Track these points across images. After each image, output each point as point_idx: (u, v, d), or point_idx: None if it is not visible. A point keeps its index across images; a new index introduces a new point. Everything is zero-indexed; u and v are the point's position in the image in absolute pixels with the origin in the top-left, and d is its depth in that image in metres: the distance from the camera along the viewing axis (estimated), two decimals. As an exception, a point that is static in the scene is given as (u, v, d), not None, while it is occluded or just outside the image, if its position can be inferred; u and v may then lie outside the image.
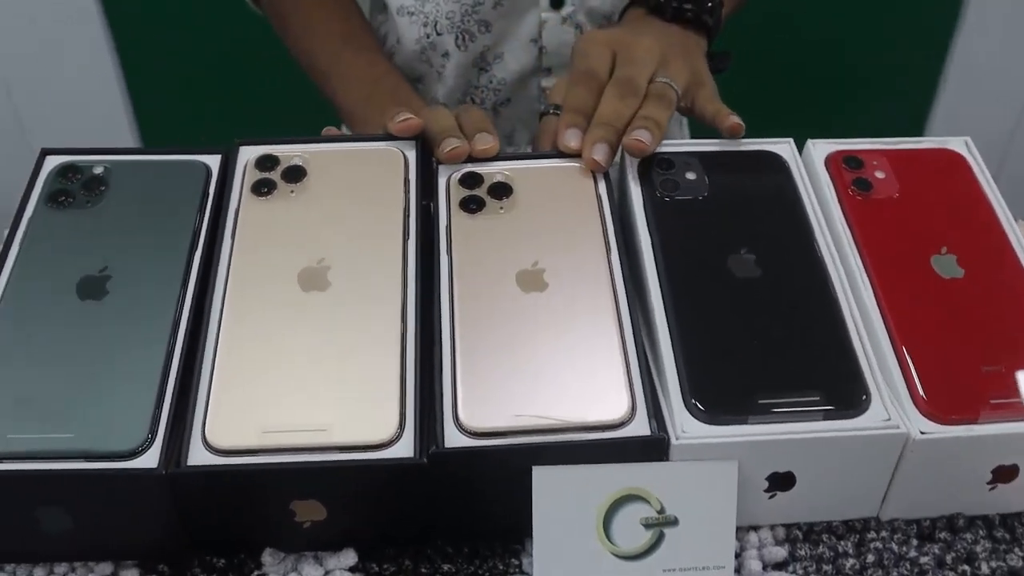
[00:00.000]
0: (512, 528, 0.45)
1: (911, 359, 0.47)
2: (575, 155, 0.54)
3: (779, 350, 0.46)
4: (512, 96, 0.75)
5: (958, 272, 0.50)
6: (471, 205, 0.52)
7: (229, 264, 0.49)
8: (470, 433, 0.43)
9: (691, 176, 0.54)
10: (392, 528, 0.46)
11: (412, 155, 0.54)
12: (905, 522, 0.48)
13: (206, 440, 0.43)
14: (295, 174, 0.53)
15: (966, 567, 0.45)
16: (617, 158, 0.55)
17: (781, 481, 0.45)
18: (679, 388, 0.45)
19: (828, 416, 0.44)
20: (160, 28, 1.32)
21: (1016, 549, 0.46)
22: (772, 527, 0.47)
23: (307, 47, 0.73)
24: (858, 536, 0.47)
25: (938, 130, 1.46)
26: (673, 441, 0.43)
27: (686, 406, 0.45)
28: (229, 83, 1.33)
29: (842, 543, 0.46)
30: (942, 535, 0.47)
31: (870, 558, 0.46)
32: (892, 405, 0.45)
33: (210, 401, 0.44)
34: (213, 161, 0.54)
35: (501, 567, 0.45)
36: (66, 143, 0.55)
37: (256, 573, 0.45)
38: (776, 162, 0.55)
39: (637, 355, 0.46)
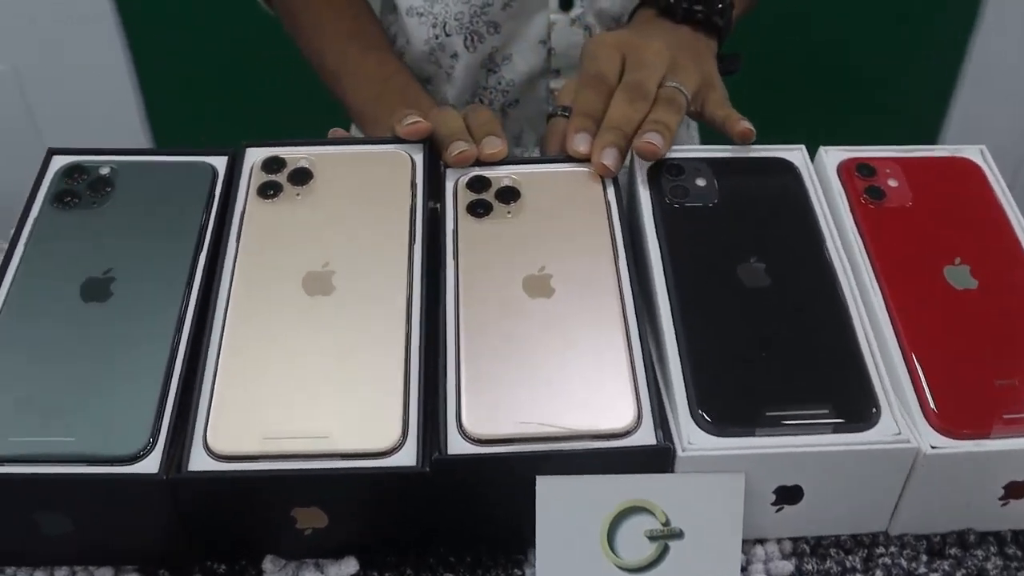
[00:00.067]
0: (515, 537, 0.45)
1: (923, 372, 0.46)
2: (584, 159, 0.54)
3: (788, 361, 0.46)
4: (520, 97, 0.75)
5: (972, 283, 0.49)
6: (478, 209, 0.51)
7: (234, 268, 0.49)
8: (474, 440, 0.43)
9: (701, 182, 0.53)
10: (394, 536, 0.45)
11: (419, 158, 0.54)
12: (915, 537, 0.47)
13: (207, 445, 0.42)
14: (301, 177, 0.52)
15: (976, 584, 0.45)
16: (626, 163, 0.55)
17: (788, 494, 0.45)
18: (686, 399, 0.45)
19: (837, 429, 0.44)
20: (173, 26, 1.32)
21: (1028, 566, 0.46)
22: (779, 541, 0.47)
23: (317, 46, 0.73)
24: (866, 551, 0.46)
25: (953, 135, 1.44)
26: (679, 453, 0.43)
27: (693, 417, 0.44)
28: (242, 82, 1.33)
29: (850, 558, 0.46)
30: (952, 551, 0.46)
31: (878, 574, 0.45)
32: (903, 419, 0.44)
33: (212, 406, 0.43)
34: (220, 162, 0.54)
35: (504, 577, 0.45)
36: (78, 142, 0.55)
37: (257, 579, 0.45)
38: (788, 169, 0.55)
39: (644, 364, 0.45)
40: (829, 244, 0.51)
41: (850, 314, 0.48)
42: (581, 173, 0.54)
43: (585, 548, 0.42)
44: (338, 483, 0.42)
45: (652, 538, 0.43)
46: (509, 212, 0.51)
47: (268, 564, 0.45)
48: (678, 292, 0.48)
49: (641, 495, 0.43)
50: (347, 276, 0.48)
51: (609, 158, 0.53)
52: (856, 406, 0.44)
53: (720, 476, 0.43)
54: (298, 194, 0.52)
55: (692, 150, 0.55)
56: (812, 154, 0.56)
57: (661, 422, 0.43)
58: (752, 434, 0.43)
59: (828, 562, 0.46)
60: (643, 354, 0.46)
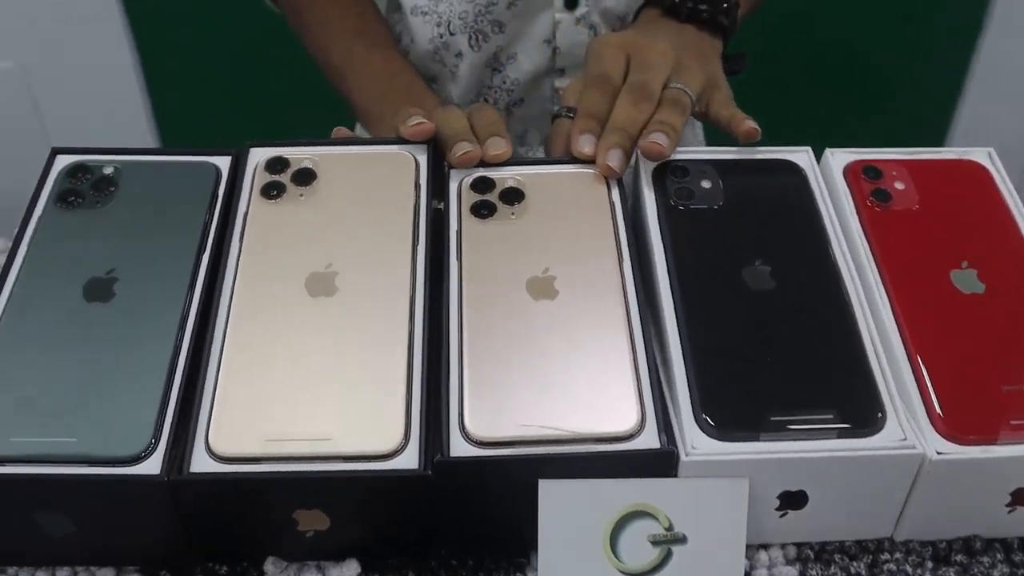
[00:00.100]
0: (517, 539, 0.45)
1: (929, 377, 0.46)
2: (589, 161, 0.53)
3: (793, 365, 0.45)
4: (525, 97, 0.75)
5: (979, 287, 0.49)
6: (482, 210, 0.51)
7: (236, 269, 0.48)
8: (476, 442, 0.42)
9: (706, 184, 0.53)
10: (395, 538, 0.45)
11: (423, 159, 0.54)
12: (920, 543, 0.47)
13: (209, 447, 0.42)
14: (305, 177, 0.52)
15: (982, 591, 0.44)
16: (631, 164, 0.54)
17: (793, 500, 0.44)
18: (690, 402, 0.44)
19: (842, 434, 0.43)
20: (180, 26, 1.32)
21: (1034, 573, 0.45)
22: (783, 546, 0.46)
23: (323, 44, 0.73)
24: (871, 557, 0.46)
25: (961, 137, 1.43)
26: (683, 457, 0.43)
27: (696, 421, 0.44)
28: (249, 81, 1.33)
29: (855, 564, 0.46)
30: (958, 558, 0.46)
31: (883, 579, 0.45)
32: (908, 424, 0.44)
33: (214, 407, 0.43)
34: (223, 162, 0.54)
35: (505, 580, 0.45)
36: (85, 141, 0.55)
37: (258, 581, 0.45)
38: (793, 171, 0.54)
39: (648, 367, 0.45)
40: (835, 247, 0.51)
41: (856, 318, 0.47)
42: (585, 174, 0.53)
43: (587, 552, 0.42)
44: (340, 486, 0.42)
45: (655, 543, 0.43)
46: (513, 213, 0.51)
47: (269, 566, 0.45)
48: (682, 294, 0.48)
49: (644, 499, 0.43)
50: (350, 277, 0.48)
51: (614, 159, 0.52)
52: (861, 411, 0.44)
53: (724, 481, 0.43)
54: (301, 194, 0.52)
55: (697, 152, 0.55)
56: (818, 156, 0.55)
57: (665, 426, 0.43)
58: (756, 439, 0.43)
59: (832, 568, 0.45)
60: (647, 357, 0.45)
